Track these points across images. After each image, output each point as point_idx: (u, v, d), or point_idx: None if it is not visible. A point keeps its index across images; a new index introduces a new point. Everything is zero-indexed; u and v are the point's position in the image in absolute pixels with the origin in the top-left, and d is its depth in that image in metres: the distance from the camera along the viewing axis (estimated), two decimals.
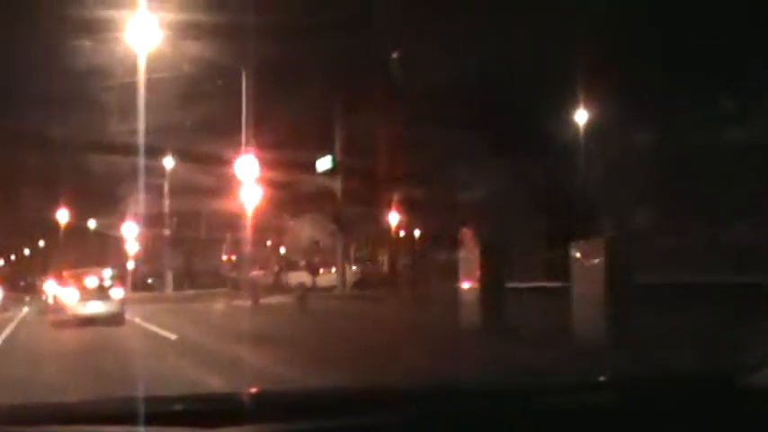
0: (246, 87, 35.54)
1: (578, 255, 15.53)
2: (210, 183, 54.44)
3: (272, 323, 24.35)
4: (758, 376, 2.80)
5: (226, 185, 50.31)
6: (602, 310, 14.23)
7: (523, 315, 17.94)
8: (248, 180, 34.72)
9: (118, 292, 25.58)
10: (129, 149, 50.57)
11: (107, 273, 28.17)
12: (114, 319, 24.52)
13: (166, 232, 58.63)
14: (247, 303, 33.23)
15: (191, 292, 56.36)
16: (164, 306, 36.04)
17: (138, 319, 26.03)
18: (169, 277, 57.89)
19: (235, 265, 63.11)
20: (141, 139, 42.80)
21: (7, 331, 23.09)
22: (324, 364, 13.25)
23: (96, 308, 24.78)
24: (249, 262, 40.30)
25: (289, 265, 56.28)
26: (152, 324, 23.74)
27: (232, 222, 60.35)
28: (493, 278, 18.46)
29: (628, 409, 2.66)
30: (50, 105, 47.23)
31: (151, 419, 2.46)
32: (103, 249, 61.72)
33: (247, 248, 38.93)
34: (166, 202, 58.03)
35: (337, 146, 40.59)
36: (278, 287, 46.10)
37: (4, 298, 37.05)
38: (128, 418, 2.48)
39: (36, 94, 45.97)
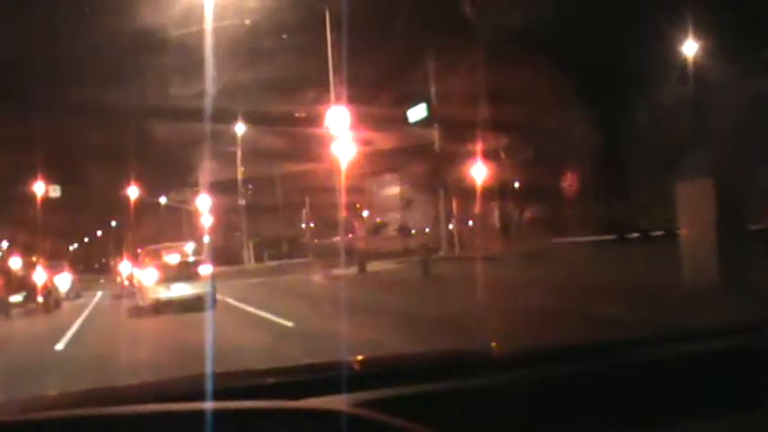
0: (331, 28, 29.96)
1: None
2: (285, 145, 49.69)
3: (403, 296, 18.96)
4: None
5: (303, 147, 45.43)
6: None
7: None
8: (340, 134, 29.29)
9: (206, 269, 20.09)
10: (197, 116, 46.10)
11: (189, 247, 22.92)
12: (204, 302, 19.23)
13: (242, 202, 53.47)
14: (349, 272, 27.80)
15: (273, 263, 51.47)
16: (252, 281, 30.86)
17: (231, 300, 20.88)
18: (250, 248, 52.93)
19: (316, 232, 58.30)
20: (209, 103, 38.22)
21: (76, 325, 17.95)
22: None
23: (182, 290, 19.46)
24: (345, 225, 34.69)
25: (376, 227, 50.66)
26: (252, 306, 18.54)
27: (310, 186, 55.56)
28: (730, 220, 12.83)
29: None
30: (113, 78, 42.76)
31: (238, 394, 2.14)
32: (177, 224, 57.01)
33: (343, 209, 33.26)
34: (240, 169, 53.04)
35: (433, 92, 34.78)
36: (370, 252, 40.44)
37: (75, 282, 31.99)
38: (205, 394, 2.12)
39: (99, 68, 41.55)
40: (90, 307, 24.41)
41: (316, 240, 57.86)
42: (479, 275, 22.30)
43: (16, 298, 23.80)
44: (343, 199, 31.46)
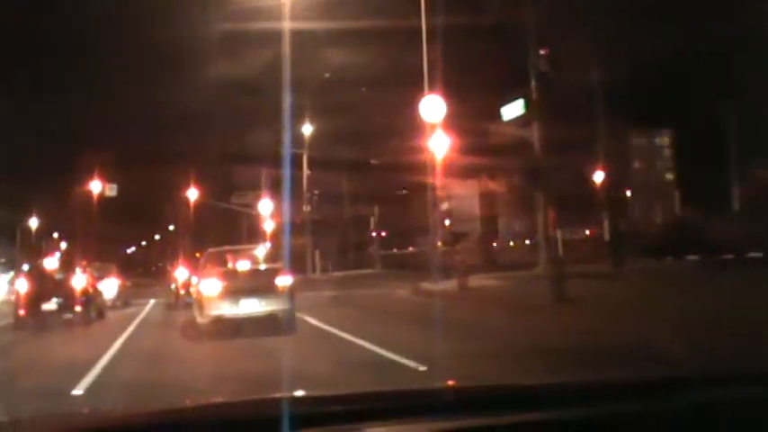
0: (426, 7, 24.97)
1: None
2: (355, 149, 45.06)
3: (545, 323, 13.61)
4: None
5: (375, 149, 40.76)
6: None
7: None
8: (434, 124, 24.29)
9: (284, 280, 14.96)
10: (264, 118, 41.63)
11: (261, 251, 17.89)
12: (280, 323, 14.21)
13: (307, 208, 48.50)
14: (445, 288, 22.49)
15: (339, 273, 46.39)
16: (326, 294, 25.76)
17: (312, 320, 15.87)
18: (316, 257, 47.92)
19: (384, 242, 53.30)
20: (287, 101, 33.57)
21: (113, 349, 12.97)
22: None
23: (253, 306, 14.39)
24: (438, 233, 29.41)
25: (455, 237, 45.03)
26: (345, 331, 13.50)
27: (379, 193, 50.58)
28: None
29: None
30: (180, 79, 38.48)
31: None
32: (239, 229, 52.33)
33: (436, 212, 27.85)
34: (306, 173, 48.16)
35: (533, 86, 29.45)
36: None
37: (123, 288, 26.94)
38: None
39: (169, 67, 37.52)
40: (137, 320, 19.51)
41: (384, 251, 52.79)
42: (624, 299, 16.99)
43: (50, 306, 19.04)
44: (437, 201, 26.20)
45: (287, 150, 38.29)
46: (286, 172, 39.80)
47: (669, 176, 38.62)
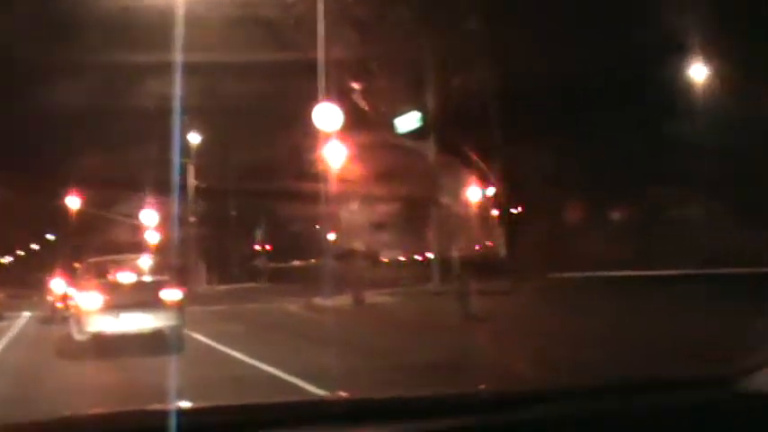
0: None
1: None
2: (243, 158, 43.39)
3: (463, 343, 12.60)
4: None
5: (263, 161, 39.47)
6: None
7: None
8: (329, 134, 23.27)
9: (172, 294, 13.62)
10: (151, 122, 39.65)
11: (145, 262, 16.41)
12: (167, 340, 12.92)
13: (192, 219, 46.67)
14: (338, 303, 21.47)
15: (224, 287, 44.74)
16: (212, 309, 24.33)
17: (201, 337, 14.59)
18: (203, 271, 46.16)
19: (270, 255, 51.82)
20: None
21: None
22: None
23: (137, 321, 13.06)
24: (332, 247, 28.28)
25: (343, 253, 44.00)
26: (236, 349, 12.37)
27: (266, 204, 49.00)
28: None
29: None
30: (58, 71, 36.07)
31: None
32: (123, 240, 49.96)
33: (332, 227, 26.70)
34: (192, 183, 46.39)
35: (429, 100, 28.79)
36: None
37: None
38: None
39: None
40: (6, 338, 17.73)
41: (271, 264, 51.36)
42: (529, 317, 16.27)
43: None
44: (333, 211, 25.13)
45: (175, 159, 36.56)
46: (174, 181, 38.09)
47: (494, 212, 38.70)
